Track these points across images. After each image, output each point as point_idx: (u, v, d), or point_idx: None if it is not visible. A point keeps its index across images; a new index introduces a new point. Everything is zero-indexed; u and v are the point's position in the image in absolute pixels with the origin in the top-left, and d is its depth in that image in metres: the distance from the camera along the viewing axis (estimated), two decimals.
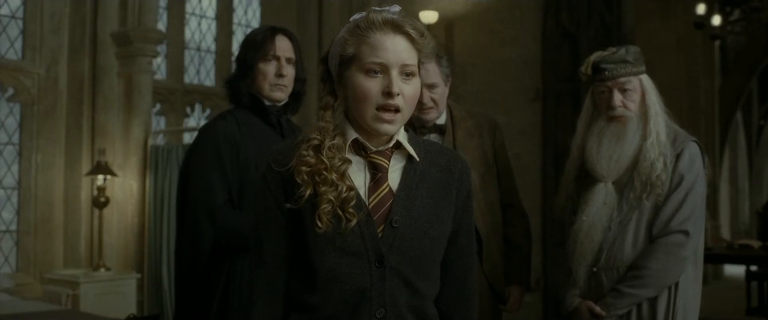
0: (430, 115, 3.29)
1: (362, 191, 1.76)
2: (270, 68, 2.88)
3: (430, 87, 3.21)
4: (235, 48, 9.05)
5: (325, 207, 1.68)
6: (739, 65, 13.84)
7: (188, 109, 8.68)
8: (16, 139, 7.16)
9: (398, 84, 1.71)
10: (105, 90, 7.02)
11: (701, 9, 9.22)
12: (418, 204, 1.79)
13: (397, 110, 1.72)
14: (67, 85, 7.10)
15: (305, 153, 1.73)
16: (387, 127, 1.73)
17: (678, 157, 2.87)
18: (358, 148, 1.79)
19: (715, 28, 9.51)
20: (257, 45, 2.88)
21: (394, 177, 1.80)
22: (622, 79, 2.88)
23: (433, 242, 1.81)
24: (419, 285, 1.79)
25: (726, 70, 13.66)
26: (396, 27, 1.73)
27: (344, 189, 1.70)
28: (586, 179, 2.98)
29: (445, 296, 1.90)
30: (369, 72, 1.72)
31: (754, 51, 13.65)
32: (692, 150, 2.90)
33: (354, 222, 1.70)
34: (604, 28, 6.99)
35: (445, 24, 8.60)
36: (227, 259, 2.79)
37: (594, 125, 2.97)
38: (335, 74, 1.80)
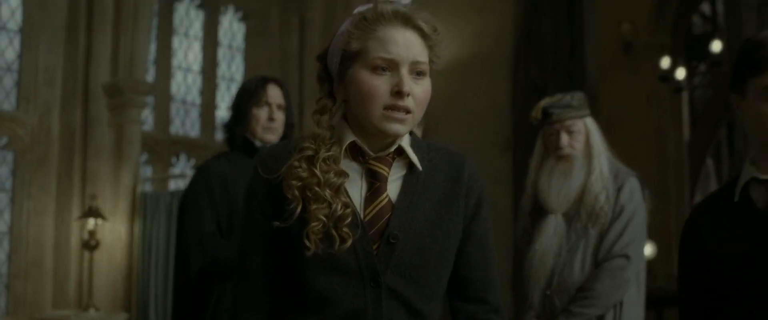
0: None
1: (358, 202, 1.59)
2: (262, 113, 3.16)
3: None
4: (219, 100, 9.46)
5: (315, 225, 1.52)
6: (706, 117, 14.28)
7: (174, 159, 9.02)
8: (8, 185, 7.47)
9: (409, 83, 1.55)
10: (96, 139, 7.38)
11: (666, 63, 9.64)
12: (420, 217, 1.61)
13: (408, 111, 1.55)
14: (59, 134, 7.46)
15: (297, 165, 1.56)
16: (397, 127, 1.55)
17: (619, 190, 3.18)
18: (356, 153, 1.62)
19: (679, 81, 9.87)
20: (250, 92, 3.19)
21: (393, 187, 1.62)
22: (568, 122, 3.22)
23: (438, 259, 1.63)
24: (420, 307, 1.62)
25: (695, 122, 14.09)
26: (407, 20, 1.57)
27: (339, 206, 1.54)
28: (539, 212, 3.30)
29: (462, 315, 1.71)
30: (376, 69, 1.55)
31: (720, 103, 14.10)
32: (632, 184, 3.22)
33: (349, 243, 1.53)
34: (570, 79, 7.42)
35: None
36: (215, 285, 3.05)
37: (545, 164, 3.30)
38: (335, 72, 1.62)
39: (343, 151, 1.60)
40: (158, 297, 7.15)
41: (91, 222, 7.02)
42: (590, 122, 3.30)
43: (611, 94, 10.00)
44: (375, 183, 1.60)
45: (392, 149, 1.62)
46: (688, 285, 2.07)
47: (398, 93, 1.53)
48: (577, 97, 3.29)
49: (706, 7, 12.78)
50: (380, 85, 1.54)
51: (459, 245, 1.68)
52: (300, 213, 1.54)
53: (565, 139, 3.22)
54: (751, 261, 1.86)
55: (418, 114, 1.58)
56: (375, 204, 1.59)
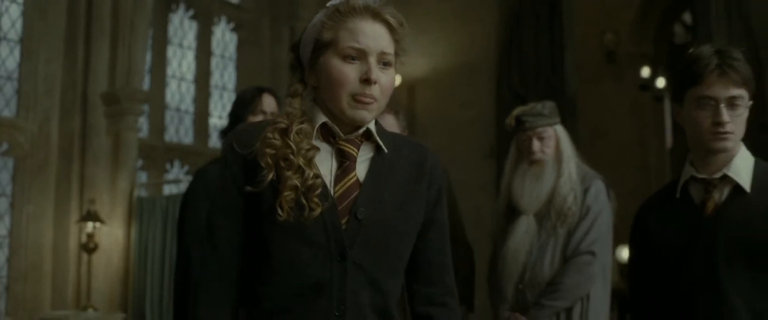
0: None
1: (328, 180, 1.66)
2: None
3: None
4: (212, 108, 9.71)
5: (288, 194, 1.60)
6: None
7: (168, 165, 9.26)
8: (8, 190, 7.70)
9: (376, 71, 1.64)
10: (94, 145, 7.63)
11: (646, 72, 9.89)
12: (385, 196, 1.69)
13: (374, 99, 1.65)
14: (58, 140, 7.71)
15: (271, 135, 1.64)
16: (363, 114, 1.65)
17: (586, 191, 3.44)
18: (326, 134, 1.70)
19: (659, 90, 10.10)
20: (247, 102, 3.43)
21: (361, 167, 1.70)
22: (540, 129, 3.47)
23: (401, 237, 1.72)
24: (383, 282, 1.69)
25: (677, 130, 14.31)
26: (375, 14, 1.68)
27: (310, 175, 1.61)
28: (513, 212, 3.55)
29: (420, 296, 1.80)
30: (346, 57, 1.64)
31: None
32: (598, 185, 3.47)
33: (318, 211, 1.61)
34: (550, 89, 7.70)
35: (408, 87, 9.28)
36: None
37: (518, 168, 3.56)
38: (307, 61, 1.72)
39: (315, 131, 1.68)
40: (154, 297, 7.46)
41: (89, 225, 7.27)
42: (560, 129, 3.54)
43: (595, 103, 10.24)
44: (344, 162, 1.69)
45: (360, 132, 1.70)
46: (637, 274, 2.36)
47: (366, 80, 1.63)
48: (548, 106, 3.54)
49: (688, 17, 13.02)
50: (350, 72, 1.63)
51: (420, 229, 1.77)
52: (272, 181, 1.62)
53: (536, 144, 3.46)
54: (688, 250, 2.14)
55: (382, 102, 1.68)
56: (344, 181, 1.67)
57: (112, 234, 7.57)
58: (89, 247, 7.28)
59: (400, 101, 8.97)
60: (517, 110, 3.57)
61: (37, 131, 7.69)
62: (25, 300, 7.49)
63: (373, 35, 1.66)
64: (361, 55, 1.65)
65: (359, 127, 1.70)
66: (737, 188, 2.13)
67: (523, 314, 3.44)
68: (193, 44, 9.86)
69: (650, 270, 2.27)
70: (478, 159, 8.70)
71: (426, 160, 1.79)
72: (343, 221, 1.65)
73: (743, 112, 2.11)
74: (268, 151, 1.63)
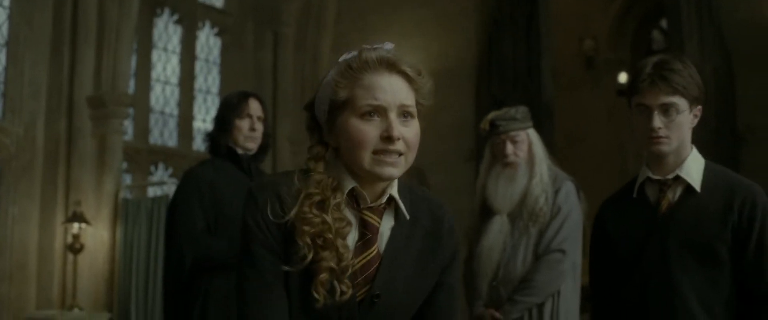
0: None
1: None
2: (244, 124, 3.48)
3: None
4: (196, 111, 9.83)
5: (324, 276, 1.51)
6: None
7: (152, 168, 9.36)
8: None
9: (398, 127, 1.54)
10: (79, 148, 7.74)
11: (623, 78, 10.08)
12: (401, 274, 1.62)
13: (399, 154, 1.55)
14: (44, 143, 7.79)
15: (308, 211, 1.53)
16: (390, 171, 1.54)
17: (557, 192, 3.57)
18: (351, 201, 1.60)
19: None
20: (234, 105, 3.51)
21: (381, 238, 1.61)
22: (513, 133, 3.59)
23: (409, 311, 1.67)
24: None
25: None
26: (391, 66, 1.57)
27: (346, 257, 1.53)
28: (487, 212, 3.68)
29: None
30: (365, 115, 1.54)
31: None
32: (568, 187, 3.61)
33: (349, 294, 1.54)
34: (527, 94, 7.88)
35: None
36: (205, 278, 3.35)
37: (492, 170, 3.68)
38: (324, 122, 1.62)
39: (343, 198, 1.58)
40: (139, 297, 7.58)
41: (75, 226, 7.39)
42: (532, 133, 3.67)
43: (574, 108, 10.43)
44: (366, 234, 1.59)
45: (384, 200, 1.61)
46: (596, 269, 2.52)
47: (388, 138, 1.52)
48: (521, 111, 3.67)
49: (665, 23, 13.20)
50: (370, 130, 1.53)
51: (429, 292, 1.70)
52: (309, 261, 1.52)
53: (510, 147, 3.59)
54: (644, 246, 2.31)
55: (410, 156, 1.58)
56: (364, 255, 1.58)
57: (97, 236, 7.68)
58: (75, 248, 7.40)
59: None
60: (491, 115, 3.69)
61: (23, 134, 7.77)
62: (11, 300, 7.57)
63: (391, 89, 1.55)
64: (380, 112, 1.54)
65: (383, 192, 1.61)
66: (689, 188, 2.29)
67: (497, 310, 3.54)
68: (178, 48, 9.97)
69: (608, 264, 2.43)
70: (458, 162, 8.84)
71: (442, 226, 1.71)
72: (359, 296, 1.59)
73: (677, 117, 2.25)
74: (306, 229, 1.53)
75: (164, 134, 9.70)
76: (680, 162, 2.31)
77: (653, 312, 2.28)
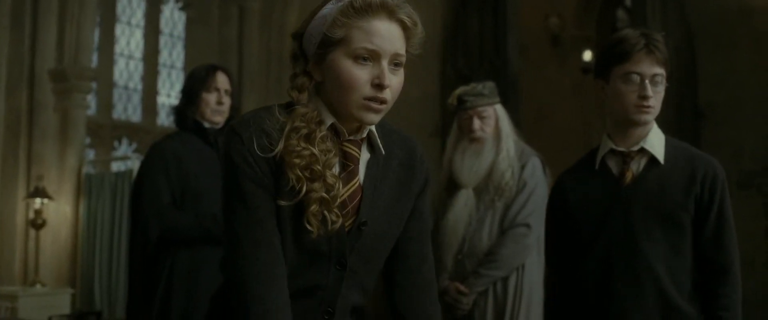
0: None
1: None
2: (211, 98, 3.48)
3: None
4: (160, 86, 9.75)
5: (315, 208, 1.53)
6: None
7: (116, 143, 9.28)
8: None
9: (389, 76, 1.56)
10: (41, 123, 7.62)
11: (588, 56, 10.16)
12: (381, 203, 1.66)
13: (384, 102, 1.57)
14: (4, 117, 7.65)
15: (296, 143, 1.54)
16: (373, 117, 1.57)
17: (523, 167, 3.60)
18: (331, 133, 1.62)
19: None
20: (201, 79, 3.50)
21: (360, 169, 1.65)
22: (480, 108, 3.62)
23: (390, 241, 1.71)
24: (368, 283, 1.71)
25: None
26: (391, 12, 1.57)
27: (335, 187, 1.55)
28: (453, 186, 3.70)
29: (399, 291, 1.76)
30: (358, 58, 1.55)
31: None
32: (534, 162, 3.65)
33: (339, 223, 1.57)
34: (494, 70, 7.92)
35: None
36: (171, 252, 3.36)
37: (459, 144, 3.71)
38: (312, 54, 1.61)
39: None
40: (102, 273, 7.54)
41: (37, 201, 7.30)
42: (499, 108, 3.69)
43: (540, 85, 10.49)
44: (349, 165, 1.62)
45: (365, 134, 1.64)
46: (554, 239, 2.56)
47: (378, 85, 1.55)
48: (488, 86, 3.69)
49: (629, 2, 13.29)
50: (361, 75, 1.54)
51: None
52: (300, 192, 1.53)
53: (477, 123, 3.61)
54: (608, 217, 2.36)
55: (391, 103, 1.59)
56: (349, 186, 1.61)
57: (60, 211, 7.60)
58: (37, 223, 7.31)
59: None
60: (459, 90, 3.70)
61: None
62: None
63: (389, 36, 1.56)
64: (373, 57, 1.56)
65: (361, 126, 1.63)
66: (652, 160, 2.36)
67: (462, 283, 3.59)
68: (142, 22, 9.87)
69: (568, 235, 2.47)
70: (423, 137, 8.87)
71: (415, 156, 1.75)
72: (347, 227, 1.62)
73: (662, 89, 2.32)
74: (297, 161, 1.53)
75: (128, 109, 9.62)
76: (644, 134, 2.37)
77: (618, 280, 2.33)
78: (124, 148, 9.37)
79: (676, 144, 2.41)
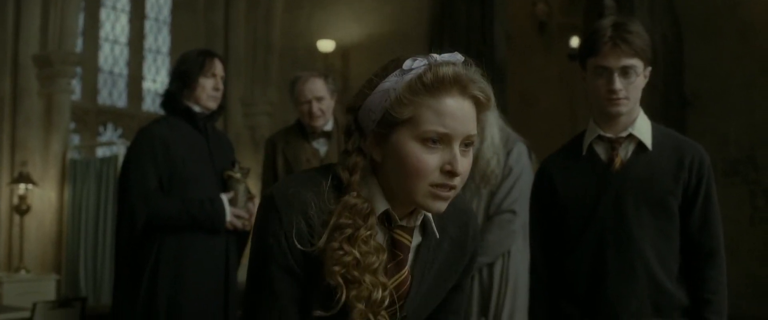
0: (318, 122, 4.00)
1: None
2: (209, 83, 3.50)
3: (318, 99, 3.95)
4: (146, 71, 9.70)
5: (358, 312, 1.41)
6: None
7: (101, 128, 9.23)
8: None
9: (461, 160, 1.40)
10: (26, 108, 7.58)
11: (574, 42, 10.15)
12: (425, 290, 1.55)
13: (454, 189, 1.42)
14: None
15: (337, 246, 1.40)
16: (440, 206, 1.42)
17: (509, 153, 3.61)
18: (382, 219, 1.49)
19: None
20: (200, 64, 3.49)
21: (409, 256, 1.52)
22: None
23: (426, 315, 1.63)
24: None
25: None
26: (465, 88, 1.41)
27: (380, 291, 1.42)
28: None
29: None
30: (427, 141, 1.39)
31: None
32: (520, 148, 3.65)
33: None
34: (480, 57, 7.90)
35: (342, 52, 9.43)
36: (157, 237, 3.36)
37: None
38: (370, 130, 1.45)
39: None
40: (87, 258, 7.51)
41: (21, 187, 7.25)
42: None
43: (527, 72, 10.50)
44: (398, 255, 1.49)
45: (419, 221, 1.52)
46: (540, 226, 2.57)
47: (450, 172, 1.39)
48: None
49: None
50: (431, 161, 1.39)
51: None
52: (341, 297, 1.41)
53: None
54: (598, 203, 2.38)
55: (460, 189, 1.45)
56: (396, 277, 1.49)
57: (44, 197, 7.56)
58: (21, 209, 7.27)
59: (334, 66, 9.11)
60: None
61: None
62: None
63: (462, 117, 1.40)
64: (444, 140, 1.40)
65: (417, 211, 1.50)
66: (640, 146, 2.37)
67: None
68: (127, 7, 9.79)
69: (555, 220, 2.49)
70: None
71: (468, 232, 1.63)
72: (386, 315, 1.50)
73: (636, 80, 2.32)
74: (337, 269, 1.40)
75: (113, 94, 9.55)
76: (631, 121, 2.38)
77: (611, 266, 2.36)
78: (109, 134, 9.31)
79: (663, 130, 2.43)
